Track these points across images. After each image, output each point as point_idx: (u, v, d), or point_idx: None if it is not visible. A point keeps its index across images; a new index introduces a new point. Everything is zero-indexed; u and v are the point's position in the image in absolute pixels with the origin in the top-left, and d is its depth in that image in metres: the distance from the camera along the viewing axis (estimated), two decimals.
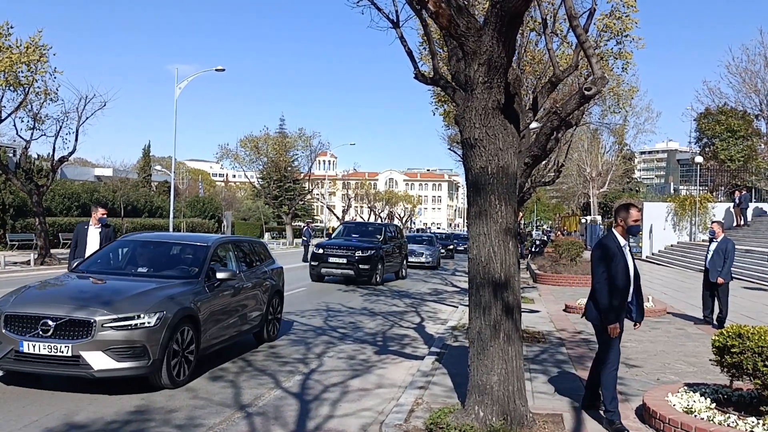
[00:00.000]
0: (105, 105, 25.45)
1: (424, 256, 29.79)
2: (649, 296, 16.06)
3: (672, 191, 43.64)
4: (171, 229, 35.64)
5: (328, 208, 69.91)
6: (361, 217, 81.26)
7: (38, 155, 39.33)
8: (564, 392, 7.42)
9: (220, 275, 8.26)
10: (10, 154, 39.27)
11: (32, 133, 24.46)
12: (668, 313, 14.11)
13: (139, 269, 8.50)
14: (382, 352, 10.08)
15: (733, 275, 12.70)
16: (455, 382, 7.60)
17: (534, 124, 13.89)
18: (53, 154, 25.28)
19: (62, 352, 6.50)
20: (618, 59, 16.73)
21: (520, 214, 38.27)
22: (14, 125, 24.32)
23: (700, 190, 40.51)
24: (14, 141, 34.80)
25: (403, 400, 7.00)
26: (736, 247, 14.18)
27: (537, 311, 14.41)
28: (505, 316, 5.79)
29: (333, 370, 8.65)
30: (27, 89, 22.80)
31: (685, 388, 6.58)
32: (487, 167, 5.79)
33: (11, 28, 21.53)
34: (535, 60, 17.93)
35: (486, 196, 5.82)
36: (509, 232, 5.87)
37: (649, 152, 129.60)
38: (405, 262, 24.45)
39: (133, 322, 6.75)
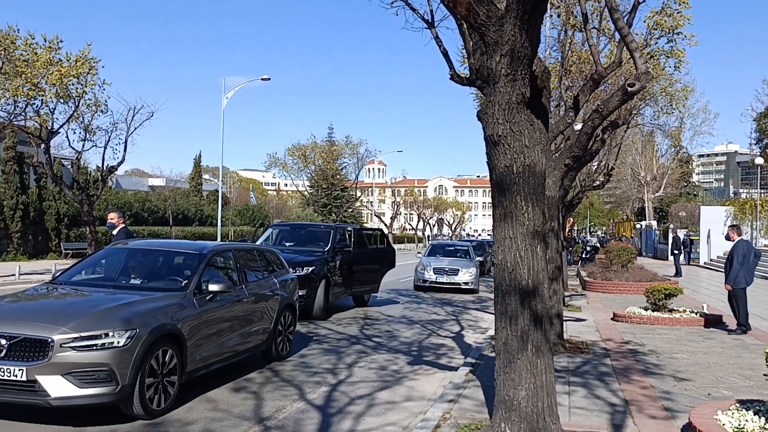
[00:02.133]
0: (152, 115, 25.87)
1: (460, 274, 20.66)
2: (704, 304, 15.24)
3: (731, 195, 41.73)
4: (219, 237, 35.98)
5: (376, 215, 69.85)
6: (410, 225, 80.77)
7: (97, 167, 40.44)
8: (604, 408, 6.91)
9: (212, 287, 7.34)
10: (68, 166, 40.50)
11: (83, 144, 25.10)
12: (724, 322, 13.26)
13: (125, 280, 7.76)
14: (416, 362, 9.70)
15: (746, 279, 12.08)
16: (487, 396, 7.17)
17: (579, 126, 13.37)
18: (102, 164, 25.84)
19: (16, 375, 5.65)
20: (670, 57, 16.03)
21: (570, 219, 37.26)
22: (67, 137, 25.13)
23: (761, 193, 38.68)
24: (77, 154, 35.87)
25: (430, 414, 6.62)
26: None
27: (583, 320, 13.78)
28: (534, 326, 5.35)
29: (362, 382, 8.32)
30: (78, 101, 23.34)
31: (738, 405, 6.00)
32: (512, 166, 5.38)
33: (61, 42, 22.07)
34: (581, 59, 17.34)
35: (511, 196, 5.41)
36: (537, 236, 5.43)
37: (708, 155, 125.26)
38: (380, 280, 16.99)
39: (98, 342, 5.86)
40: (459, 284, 20.57)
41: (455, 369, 9.00)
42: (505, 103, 5.29)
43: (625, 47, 9.20)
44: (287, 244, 15.29)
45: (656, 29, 15.15)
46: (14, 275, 21.28)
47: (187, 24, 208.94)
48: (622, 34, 8.69)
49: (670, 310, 13.65)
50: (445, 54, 10.17)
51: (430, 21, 10.67)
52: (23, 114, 23.04)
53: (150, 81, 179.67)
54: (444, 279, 20.55)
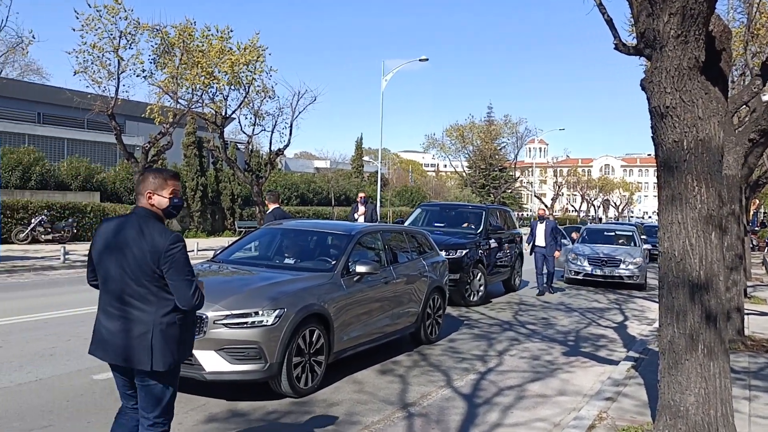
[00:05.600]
0: (315, 99, 26.82)
1: (622, 266, 17.44)
2: None
3: None
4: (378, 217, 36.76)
5: (536, 196, 67.83)
6: (572, 206, 77.59)
7: (271, 150, 42.94)
8: None
9: (359, 268, 7.32)
10: (242, 149, 43.39)
11: (253, 129, 26.64)
12: None
13: (278, 259, 7.91)
14: (572, 353, 9.12)
15: None
16: (651, 396, 6.51)
17: (767, 96, 11.86)
18: (270, 148, 27.28)
19: None
20: None
21: (756, 201, 33.73)
22: (239, 122, 26.73)
23: None
24: (249, 138, 38.53)
25: (584, 412, 6.12)
26: None
27: None
28: (706, 324, 4.70)
29: (512, 371, 7.94)
30: (248, 88, 24.70)
31: None
32: (682, 141, 4.73)
33: (231, 31, 23.40)
34: None
35: (681, 176, 4.76)
36: (711, 221, 4.74)
37: None
38: (520, 265, 16.30)
39: (248, 320, 6.01)
40: (621, 278, 17.36)
41: (615, 363, 8.33)
42: (674, 69, 4.65)
43: None
44: (438, 224, 14.53)
45: None
46: (193, 251, 23.11)
47: (347, 9, 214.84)
48: None
49: None
50: (609, 22, 9.30)
51: None
52: (200, 101, 24.78)
53: (312, 65, 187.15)
54: (602, 271, 17.49)
